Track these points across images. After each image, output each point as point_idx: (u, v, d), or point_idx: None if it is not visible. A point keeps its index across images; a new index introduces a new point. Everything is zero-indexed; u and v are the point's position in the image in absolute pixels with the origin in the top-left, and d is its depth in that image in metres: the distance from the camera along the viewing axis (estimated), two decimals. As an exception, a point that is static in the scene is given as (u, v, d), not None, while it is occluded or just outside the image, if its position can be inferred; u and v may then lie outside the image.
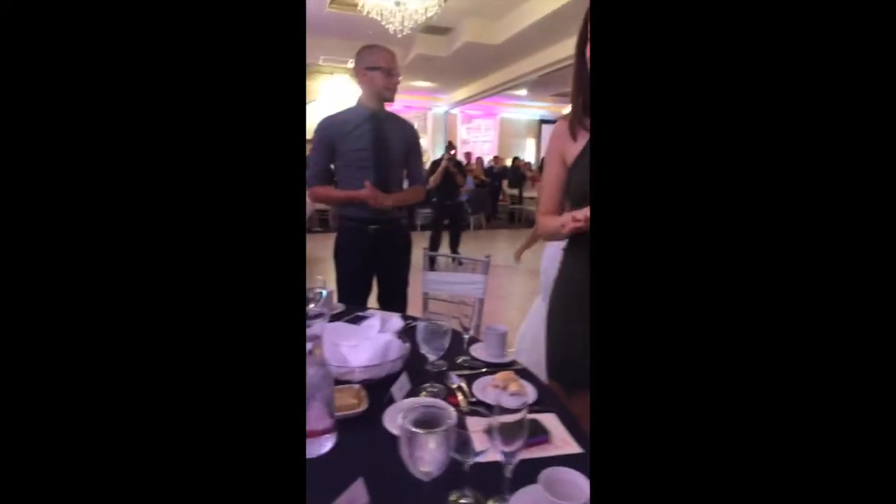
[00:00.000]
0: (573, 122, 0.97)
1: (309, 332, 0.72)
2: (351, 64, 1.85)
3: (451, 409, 0.60)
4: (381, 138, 1.68)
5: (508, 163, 9.64)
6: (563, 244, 1.15)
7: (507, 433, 0.59)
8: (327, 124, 1.70)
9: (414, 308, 1.88)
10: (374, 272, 1.81)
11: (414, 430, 0.53)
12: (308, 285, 1.19)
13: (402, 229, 1.83)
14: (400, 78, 1.71)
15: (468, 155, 9.62)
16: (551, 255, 1.66)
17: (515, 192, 8.89)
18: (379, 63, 1.65)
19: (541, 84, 7.99)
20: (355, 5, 4.70)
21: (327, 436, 0.74)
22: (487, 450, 0.60)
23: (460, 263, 2.64)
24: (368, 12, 4.60)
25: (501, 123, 11.68)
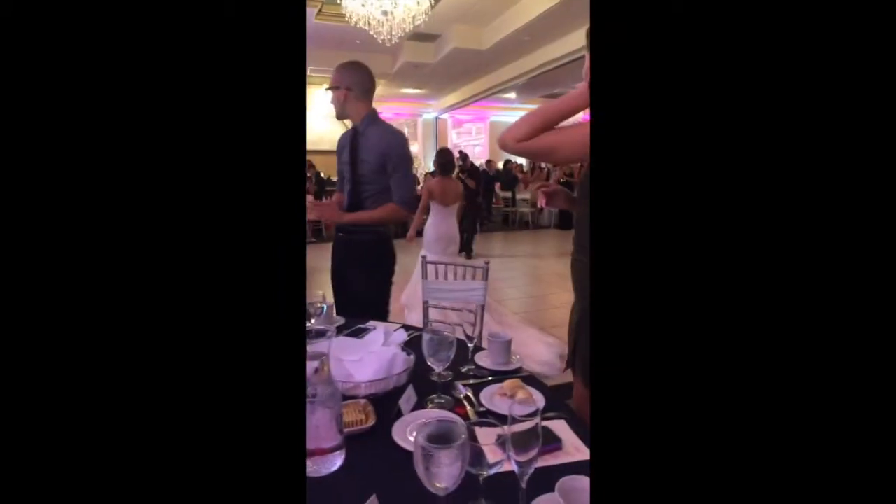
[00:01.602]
0: None
1: (315, 349, 0.72)
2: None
3: (463, 423, 0.60)
4: (354, 152, 1.71)
5: (500, 166, 9.68)
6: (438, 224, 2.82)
7: (520, 443, 0.59)
8: (340, 137, 1.81)
9: (396, 317, 1.86)
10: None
11: (429, 446, 0.53)
12: (308, 300, 1.18)
13: (372, 240, 1.72)
14: (336, 92, 1.70)
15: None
16: (430, 222, 3.23)
17: (508, 194, 8.93)
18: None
19: (529, 87, 8.05)
20: (343, 16, 4.72)
21: (337, 453, 0.73)
22: (501, 461, 0.59)
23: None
24: (356, 23, 4.62)
25: (491, 126, 11.74)
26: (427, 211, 3.27)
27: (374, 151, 1.67)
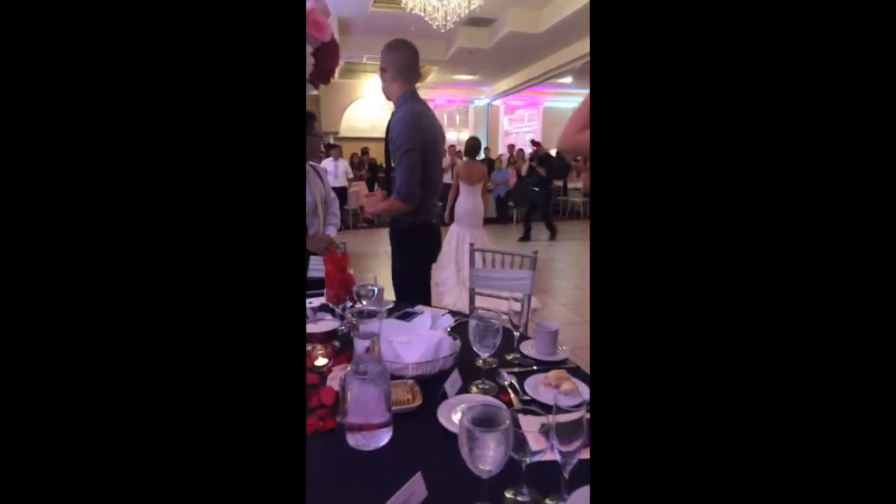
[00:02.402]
0: None
1: (367, 328, 0.75)
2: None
3: (507, 409, 0.60)
4: (387, 136, 1.70)
5: (553, 153, 9.43)
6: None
7: (565, 433, 0.59)
8: None
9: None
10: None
11: (475, 428, 0.54)
12: (360, 282, 1.23)
13: (405, 228, 1.75)
14: (385, 74, 1.68)
15: (511, 147, 9.48)
16: (460, 199, 3.88)
17: (560, 183, 8.68)
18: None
19: (586, 71, 7.73)
20: (399, 3, 4.75)
21: (385, 429, 0.76)
22: (545, 450, 0.60)
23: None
24: (412, 9, 4.63)
25: (545, 113, 11.42)
26: (458, 191, 4.00)
27: (389, 138, 1.65)
